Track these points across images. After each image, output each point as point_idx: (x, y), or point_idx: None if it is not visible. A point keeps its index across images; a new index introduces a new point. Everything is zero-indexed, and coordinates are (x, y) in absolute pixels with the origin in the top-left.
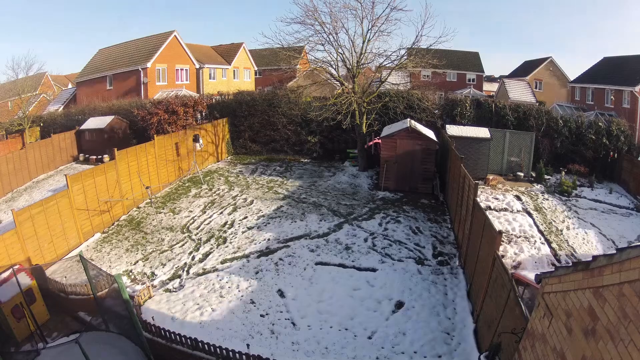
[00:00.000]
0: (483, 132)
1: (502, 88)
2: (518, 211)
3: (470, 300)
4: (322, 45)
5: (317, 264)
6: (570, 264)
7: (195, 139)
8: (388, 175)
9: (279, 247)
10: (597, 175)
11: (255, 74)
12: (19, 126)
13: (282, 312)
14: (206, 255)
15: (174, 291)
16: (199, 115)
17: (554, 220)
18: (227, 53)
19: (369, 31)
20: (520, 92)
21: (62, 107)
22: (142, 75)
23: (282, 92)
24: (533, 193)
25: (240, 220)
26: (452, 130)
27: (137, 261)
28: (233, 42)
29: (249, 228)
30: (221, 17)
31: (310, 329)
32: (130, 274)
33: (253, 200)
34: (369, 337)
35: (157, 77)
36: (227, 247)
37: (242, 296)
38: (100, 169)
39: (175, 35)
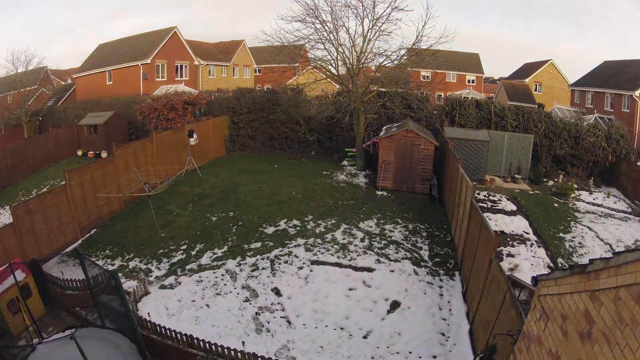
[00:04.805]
0: (482, 134)
1: (501, 90)
2: (515, 213)
3: (465, 301)
4: (322, 43)
5: (313, 263)
6: (567, 267)
7: (190, 135)
8: (386, 175)
9: (275, 246)
10: (595, 179)
11: (255, 72)
12: (17, 120)
13: (277, 310)
14: (202, 252)
15: (169, 288)
16: (197, 112)
17: (551, 223)
18: (227, 50)
19: (370, 31)
20: (519, 95)
21: (61, 102)
22: (142, 71)
23: (282, 90)
24: (531, 195)
25: (236, 217)
26: (451, 131)
27: (133, 257)
28: (233, 39)
29: (245, 226)
30: (221, 16)
31: (305, 327)
32: (126, 269)
33: (250, 198)
34: (365, 337)
35: (156, 73)
36: (223, 244)
37: (237, 294)
38: (98, 165)
39: (175, 32)
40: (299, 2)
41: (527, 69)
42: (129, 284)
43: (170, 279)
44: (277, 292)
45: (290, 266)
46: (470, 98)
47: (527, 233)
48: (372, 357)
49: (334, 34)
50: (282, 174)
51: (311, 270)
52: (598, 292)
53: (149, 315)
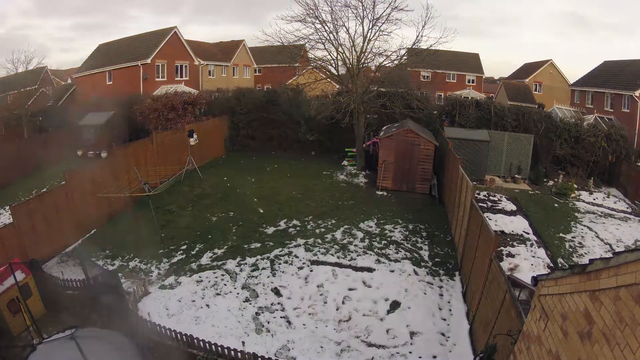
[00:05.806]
0: (482, 134)
1: (501, 90)
2: (515, 213)
3: (465, 301)
4: (322, 44)
5: (313, 263)
6: (567, 267)
7: (190, 135)
8: (386, 175)
9: (275, 246)
10: (595, 179)
11: (255, 72)
12: (17, 120)
13: (277, 310)
14: (202, 252)
15: (169, 288)
16: (197, 112)
17: (551, 223)
18: (227, 50)
19: (370, 31)
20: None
21: (61, 102)
22: (142, 70)
23: (282, 90)
24: (531, 195)
25: (236, 217)
26: (451, 131)
27: (133, 257)
28: (233, 39)
29: (245, 226)
30: (222, 14)
31: (305, 327)
32: (126, 270)
33: (250, 198)
34: (365, 337)
35: (156, 73)
36: (223, 244)
37: (237, 294)
38: (98, 165)
39: (175, 32)
40: (299, 2)
41: (527, 69)
42: (129, 284)
43: (170, 279)
44: (277, 292)
45: (290, 266)
46: (470, 98)
47: (527, 233)
48: (372, 357)
49: (334, 34)
50: (282, 174)
51: (311, 270)
52: (598, 292)
53: (149, 315)
